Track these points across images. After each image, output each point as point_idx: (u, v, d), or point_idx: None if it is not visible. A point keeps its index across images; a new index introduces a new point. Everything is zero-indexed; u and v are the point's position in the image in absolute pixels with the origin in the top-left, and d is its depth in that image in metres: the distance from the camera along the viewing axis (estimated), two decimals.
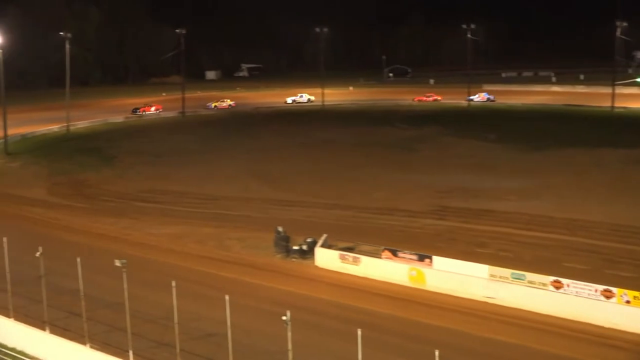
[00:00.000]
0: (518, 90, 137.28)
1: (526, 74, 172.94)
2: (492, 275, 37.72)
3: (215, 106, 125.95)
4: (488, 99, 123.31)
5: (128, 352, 27.96)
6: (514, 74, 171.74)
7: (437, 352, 20.21)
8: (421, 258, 40.15)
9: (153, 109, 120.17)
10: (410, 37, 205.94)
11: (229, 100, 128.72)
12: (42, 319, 31.09)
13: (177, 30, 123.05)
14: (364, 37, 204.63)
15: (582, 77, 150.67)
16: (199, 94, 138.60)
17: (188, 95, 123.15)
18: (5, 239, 32.60)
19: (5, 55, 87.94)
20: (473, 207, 55.23)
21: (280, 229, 45.15)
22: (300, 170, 72.51)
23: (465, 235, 47.74)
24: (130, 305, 28.05)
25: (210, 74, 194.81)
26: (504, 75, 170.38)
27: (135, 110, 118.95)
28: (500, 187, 61.32)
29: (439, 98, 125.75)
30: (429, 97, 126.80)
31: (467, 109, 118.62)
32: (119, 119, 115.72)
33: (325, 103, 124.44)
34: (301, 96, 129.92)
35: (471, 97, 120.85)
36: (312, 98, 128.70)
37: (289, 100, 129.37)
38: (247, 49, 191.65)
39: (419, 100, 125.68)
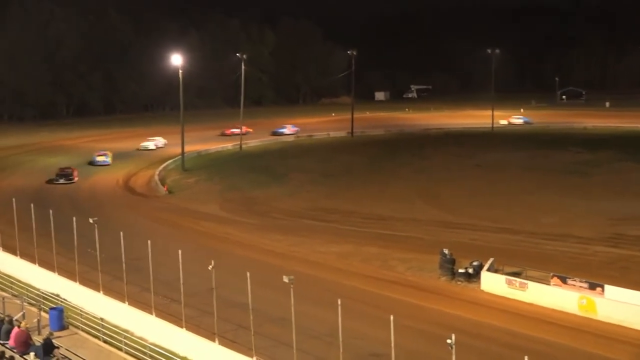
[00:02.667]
0: None
1: None
2: None
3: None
4: None
5: None
6: None
7: None
8: (592, 286, 38.57)
9: (237, 130, 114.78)
10: (585, 58, 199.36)
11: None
12: (212, 330, 32.04)
13: (349, 52, 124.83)
14: (537, 58, 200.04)
15: None
16: (368, 114, 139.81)
17: (357, 115, 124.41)
18: (180, 252, 33.85)
19: (185, 75, 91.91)
20: None
21: (446, 251, 44.67)
22: (468, 192, 71.74)
23: None
24: (295, 321, 28.48)
25: (380, 95, 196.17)
26: None
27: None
28: None
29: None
30: None
31: None
32: (290, 138, 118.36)
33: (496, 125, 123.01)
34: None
35: None
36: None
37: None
38: (417, 71, 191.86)
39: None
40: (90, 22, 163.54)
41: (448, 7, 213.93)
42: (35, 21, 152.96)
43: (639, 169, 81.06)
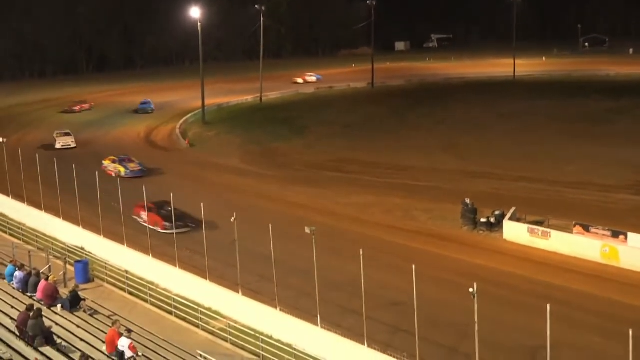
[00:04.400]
0: None
1: None
2: None
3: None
4: None
5: (316, 317, 28.64)
6: None
7: (630, 332, 19.41)
8: (615, 234, 38.55)
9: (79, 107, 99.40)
10: (608, 6, 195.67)
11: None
12: (235, 281, 32.36)
13: (368, 2, 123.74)
14: (559, 6, 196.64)
15: None
16: (388, 65, 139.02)
17: (377, 66, 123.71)
18: (202, 204, 34.06)
19: (204, 28, 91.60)
20: None
21: (467, 200, 44.73)
22: (489, 142, 71.61)
23: None
24: (317, 272, 28.68)
25: (400, 45, 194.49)
26: None
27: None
28: None
29: None
30: None
31: None
32: (309, 90, 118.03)
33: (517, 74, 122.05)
34: None
35: None
36: None
37: None
38: (438, 20, 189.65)
39: None
40: None
41: None
42: None
43: None
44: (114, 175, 55.04)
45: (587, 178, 55.60)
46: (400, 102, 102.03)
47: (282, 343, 29.61)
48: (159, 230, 42.22)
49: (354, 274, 27.19)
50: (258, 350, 29.20)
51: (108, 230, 40.65)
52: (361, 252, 26.59)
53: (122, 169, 57.40)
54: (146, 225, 41.62)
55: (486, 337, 23.71)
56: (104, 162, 60.05)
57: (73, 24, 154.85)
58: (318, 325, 28.99)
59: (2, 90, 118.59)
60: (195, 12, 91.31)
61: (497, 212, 43.72)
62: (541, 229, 41.27)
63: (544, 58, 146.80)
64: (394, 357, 26.00)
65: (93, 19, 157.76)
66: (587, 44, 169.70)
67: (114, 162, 59.58)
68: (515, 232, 42.29)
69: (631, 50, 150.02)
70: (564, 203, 48.42)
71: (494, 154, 66.23)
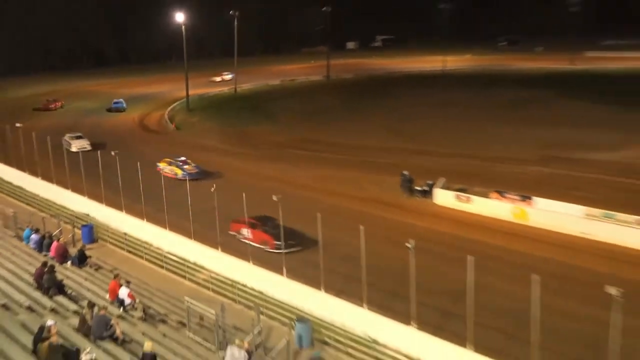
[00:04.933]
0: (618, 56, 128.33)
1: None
2: (587, 215, 36.94)
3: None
4: None
5: (282, 269, 29.15)
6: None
7: (537, 278, 20.10)
8: (524, 198, 39.79)
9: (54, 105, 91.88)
10: (524, 8, 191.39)
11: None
12: (215, 240, 32.88)
13: (323, 9, 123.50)
14: (484, 10, 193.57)
15: None
16: (341, 61, 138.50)
17: (332, 62, 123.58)
18: (187, 178, 34.27)
19: (188, 29, 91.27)
20: (572, 157, 53.91)
21: (405, 172, 45.51)
22: (427, 125, 72.18)
23: (567, 180, 46.75)
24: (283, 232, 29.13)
25: (350, 45, 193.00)
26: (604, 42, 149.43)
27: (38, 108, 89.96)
28: (597, 141, 59.47)
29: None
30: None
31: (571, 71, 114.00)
32: (275, 82, 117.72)
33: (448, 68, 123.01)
34: None
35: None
36: None
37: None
38: (382, 22, 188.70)
39: None
40: None
41: None
42: None
43: (568, 104, 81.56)
44: (171, 176, 48.89)
45: (506, 154, 56.54)
46: (351, 92, 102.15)
47: (254, 290, 30.23)
48: (267, 249, 34.66)
49: (314, 233, 27.71)
50: (234, 296, 29.75)
51: (109, 199, 40.75)
52: (319, 215, 27.10)
53: (179, 171, 50.67)
54: (249, 242, 34.64)
55: (421, 284, 24.49)
56: (159, 164, 52.16)
57: (73, 19, 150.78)
58: (284, 275, 29.60)
59: (14, 83, 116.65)
60: (179, 17, 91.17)
61: (429, 182, 44.52)
62: (465, 195, 42.19)
63: (468, 55, 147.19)
64: (347, 301, 26.81)
65: (93, 19, 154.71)
66: (505, 42, 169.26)
67: (170, 164, 52.15)
68: (443, 198, 43.21)
69: (541, 48, 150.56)
70: (486, 174, 49.30)
71: (431, 135, 66.83)
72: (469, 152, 57.98)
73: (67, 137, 62.85)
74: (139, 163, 36.56)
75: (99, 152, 41.49)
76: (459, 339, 23.23)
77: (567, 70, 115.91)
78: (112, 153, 38.41)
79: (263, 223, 35.74)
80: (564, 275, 30.05)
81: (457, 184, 44.03)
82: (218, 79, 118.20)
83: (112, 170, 39.01)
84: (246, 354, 21.58)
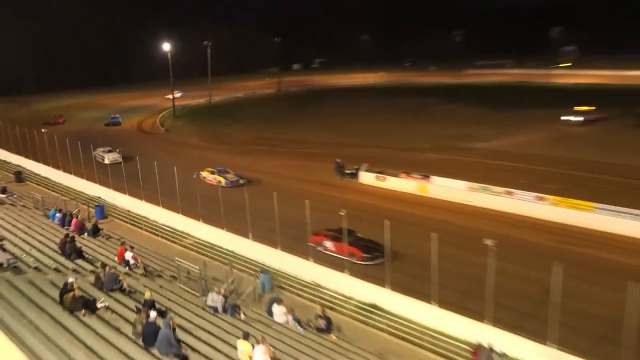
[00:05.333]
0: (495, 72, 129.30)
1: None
2: (469, 187, 37.71)
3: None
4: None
5: (249, 234, 28.97)
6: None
7: (435, 235, 20.54)
8: (424, 177, 40.39)
9: (62, 119, 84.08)
10: (425, 34, 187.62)
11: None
12: (197, 213, 32.37)
13: (275, 39, 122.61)
14: (393, 36, 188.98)
15: None
16: (290, 78, 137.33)
17: (283, 79, 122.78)
18: (175, 168, 33.79)
19: (174, 55, 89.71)
20: (459, 146, 54.80)
21: (338, 160, 45.66)
22: (356, 125, 72.13)
23: (455, 163, 47.41)
24: (248, 208, 28.87)
25: (296, 66, 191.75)
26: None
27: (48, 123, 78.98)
28: (477, 134, 60.55)
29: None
30: None
31: (456, 84, 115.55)
32: (240, 94, 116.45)
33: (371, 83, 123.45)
34: None
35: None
36: None
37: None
38: (319, 48, 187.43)
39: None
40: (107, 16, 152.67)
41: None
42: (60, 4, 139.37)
43: (455, 108, 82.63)
44: (214, 184, 41.47)
45: (411, 145, 56.89)
46: (297, 101, 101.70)
47: (227, 250, 30.06)
48: (355, 261, 27.46)
49: (271, 208, 27.61)
50: (213, 256, 29.56)
51: (115, 185, 39.85)
52: (275, 194, 27.08)
53: (222, 179, 43.39)
54: (333, 254, 28.86)
55: None
56: (202, 172, 44.72)
57: (82, 45, 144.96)
58: (249, 238, 29.47)
59: (41, 97, 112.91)
60: (166, 46, 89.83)
61: (355, 167, 44.77)
62: (382, 175, 42.59)
63: (381, 73, 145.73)
64: (297, 256, 26.82)
65: (105, 46, 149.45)
66: (409, 62, 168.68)
67: (212, 173, 45.03)
68: (366, 178, 43.51)
69: (434, 67, 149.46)
70: (397, 160, 49.48)
71: (359, 132, 66.92)
72: (385, 144, 58.28)
73: (99, 150, 52.57)
74: (137, 157, 35.68)
75: (108, 149, 40.28)
76: (379, 282, 23.56)
77: (453, 84, 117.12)
78: (117, 150, 37.32)
79: (347, 235, 26.94)
80: (455, 232, 30.67)
81: (376, 168, 44.35)
82: (169, 96, 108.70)
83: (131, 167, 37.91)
84: (223, 298, 21.56)
